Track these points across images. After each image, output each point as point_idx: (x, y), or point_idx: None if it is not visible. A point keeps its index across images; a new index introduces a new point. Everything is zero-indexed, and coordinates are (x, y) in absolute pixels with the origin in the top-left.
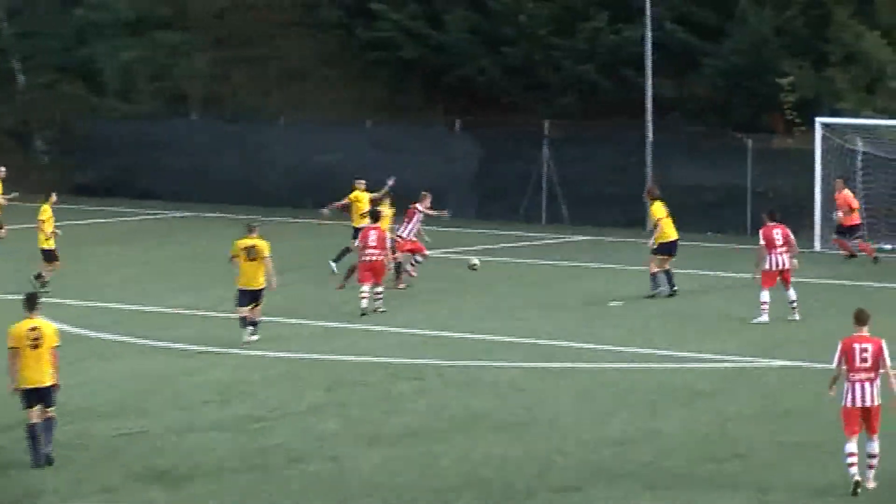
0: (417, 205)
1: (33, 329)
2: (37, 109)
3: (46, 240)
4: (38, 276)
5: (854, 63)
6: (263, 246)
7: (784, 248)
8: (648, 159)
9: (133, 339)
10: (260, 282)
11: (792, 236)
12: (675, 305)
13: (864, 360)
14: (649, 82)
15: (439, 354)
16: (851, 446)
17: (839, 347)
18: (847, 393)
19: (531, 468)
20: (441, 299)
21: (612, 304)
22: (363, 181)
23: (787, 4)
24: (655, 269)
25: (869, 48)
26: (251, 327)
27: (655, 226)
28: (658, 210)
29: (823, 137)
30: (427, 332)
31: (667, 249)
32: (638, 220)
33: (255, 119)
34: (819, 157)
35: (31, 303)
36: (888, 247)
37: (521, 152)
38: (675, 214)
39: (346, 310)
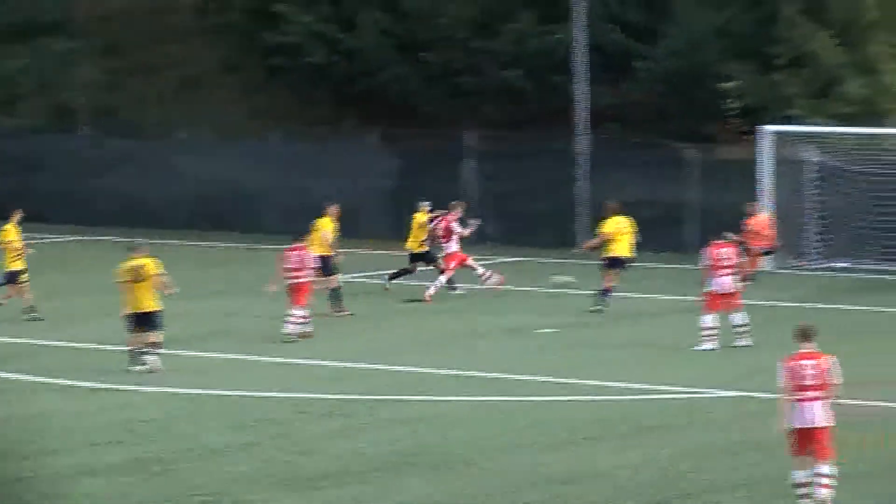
0: (449, 216)
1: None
2: None
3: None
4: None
5: (804, 66)
6: (150, 264)
7: (730, 270)
8: (581, 172)
9: (17, 376)
10: (149, 304)
11: (739, 254)
12: (613, 332)
13: (813, 376)
14: (581, 88)
15: (356, 388)
16: (799, 475)
17: (783, 369)
18: (793, 414)
19: None
20: (357, 328)
21: (542, 331)
22: (427, 203)
23: (729, 2)
24: (609, 285)
25: (820, 49)
26: (148, 357)
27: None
28: (608, 225)
29: (771, 147)
30: (343, 363)
31: (614, 264)
32: (571, 240)
33: (151, 134)
34: (766, 169)
35: None
36: (841, 265)
37: (443, 166)
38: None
39: (253, 340)
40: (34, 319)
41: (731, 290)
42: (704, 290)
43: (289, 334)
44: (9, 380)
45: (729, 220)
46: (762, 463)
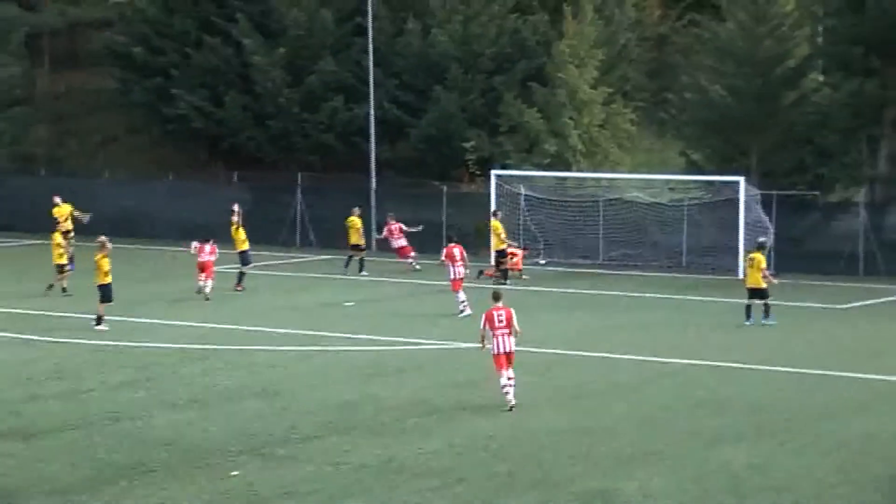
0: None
1: None
2: None
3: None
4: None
5: (517, 132)
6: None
7: (460, 263)
8: (372, 202)
9: None
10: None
11: (465, 253)
12: (389, 305)
13: (500, 321)
14: (373, 146)
15: (219, 342)
16: (503, 379)
17: (483, 316)
18: (494, 344)
19: (285, 423)
20: (222, 302)
21: (347, 304)
22: (358, 209)
23: (470, 90)
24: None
25: (528, 121)
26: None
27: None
28: (497, 226)
29: (496, 185)
30: (212, 325)
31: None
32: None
33: (85, 174)
34: (493, 198)
35: None
36: (543, 262)
37: (281, 197)
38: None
39: (149, 308)
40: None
41: (461, 277)
42: (449, 276)
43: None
44: None
45: (469, 234)
46: (484, 394)
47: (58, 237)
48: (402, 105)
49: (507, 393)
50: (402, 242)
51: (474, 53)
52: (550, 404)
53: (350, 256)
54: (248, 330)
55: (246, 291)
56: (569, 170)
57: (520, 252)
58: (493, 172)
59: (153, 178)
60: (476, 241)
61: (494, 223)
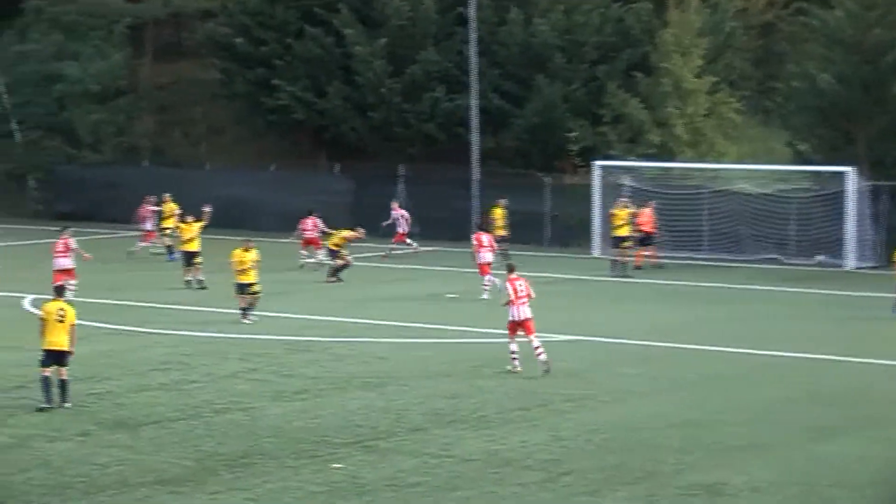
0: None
1: (61, 309)
2: (29, 158)
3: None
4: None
5: (621, 122)
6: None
7: (488, 248)
8: (474, 193)
9: (96, 324)
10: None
11: (493, 240)
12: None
13: (521, 290)
14: (475, 137)
15: (323, 334)
16: (514, 346)
17: (507, 283)
18: (513, 311)
19: (390, 415)
20: (323, 294)
21: (449, 295)
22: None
23: (572, 79)
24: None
25: (631, 111)
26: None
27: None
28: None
29: (600, 176)
30: (316, 316)
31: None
32: (464, 236)
33: (189, 165)
34: (597, 190)
35: (59, 292)
36: (645, 254)
37: (383, 187)
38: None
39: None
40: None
41: (489, 261)
42: (477, 261)
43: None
44: (92, 327)
45: (570, 224)
46: (582, 385)
47: (185, 227)
48: (504, 95)
49: (539, 355)
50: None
51: (577, 43)
52: (653, 396)
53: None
54: (351, 321)
55: (348, 283)
56: (673, 160)
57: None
58: (597, 163)
59: (256, 168)
60: (579, 233)
61: (619, 211)
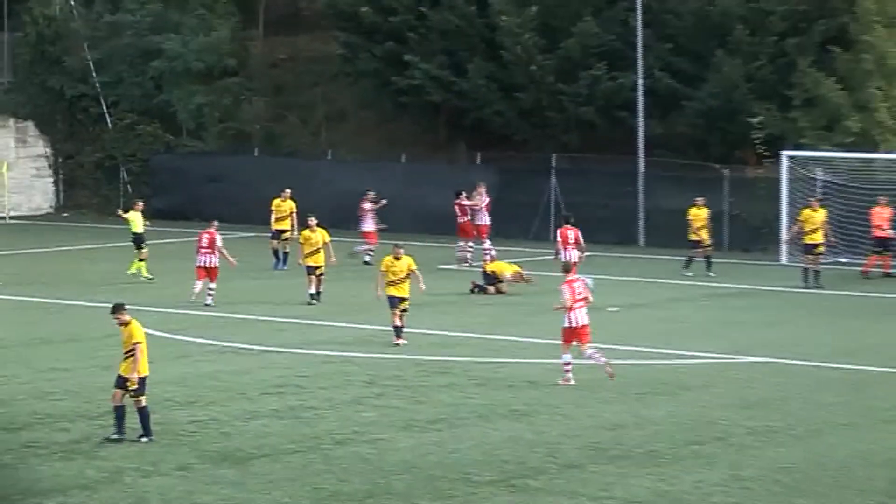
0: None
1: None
2: (121, 146)
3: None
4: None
5: (814, 106)
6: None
7: (573, 246)
8: (640, 188)
9: (201, 340)
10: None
11: (580, 236)
12: (663, 311)
13: (579, 293)
14: (641, 122)
15: (462, 353)
16: (568, 356)
17: (567, 289)
18: (569, 318)
19: (541, 449)
20: (459, 308)
21: (610, 309)
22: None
23: (756, 55)
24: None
25: (826, 93)
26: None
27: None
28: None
29: (789, 168)
30: (451, 332)
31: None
32: (629, 239)
33: (306, 155)
34: (785, 185)
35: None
36: (844, 260)
37: (532, 181)
38: (661, 234)
39: (381, 314)
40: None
41: (575, 261)
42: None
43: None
44: (194, 343)
45: (754, 225)
46: (779, 415)
47: (308, 234)
48: (675, 73)
49: (568, 376)
50: (369, 227)
51: (763, 12)
52: (856, 430)
53: (691, 257)
54: (497, 339)
55: (494, 295)
56: (876, 150)
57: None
58: (785, 154)
59: (385, 159)
60: (764, 236)
61: (805, 213)
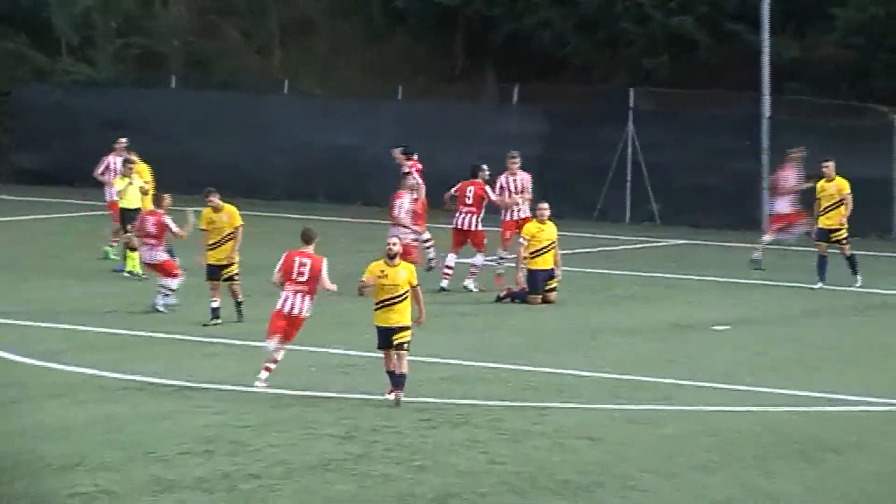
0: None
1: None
2: None
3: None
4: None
5: None
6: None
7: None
8: (765, 141)
9: (93, 371)
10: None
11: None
12: (793, 331)
13: (300, 273)
14: (766, 41)
15: (487, 392)
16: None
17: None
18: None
19: None
20: (490, 318)
21: (717, 328)
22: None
23: None
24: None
25: None
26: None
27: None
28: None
29: None
30: (467, 362)
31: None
32: (746, 219)
33: (251, 87)
34: None
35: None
36: None
37: (598, 131)
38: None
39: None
40: None
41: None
42: None
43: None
44: (83, 375)
45: None
46: None
47: (211, 216)
48: None
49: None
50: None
51: None
52: None
53: None
54: (539, 371)
55: (522, 305)
56: None
57: None
58: None
59: (371, 95)
60: None
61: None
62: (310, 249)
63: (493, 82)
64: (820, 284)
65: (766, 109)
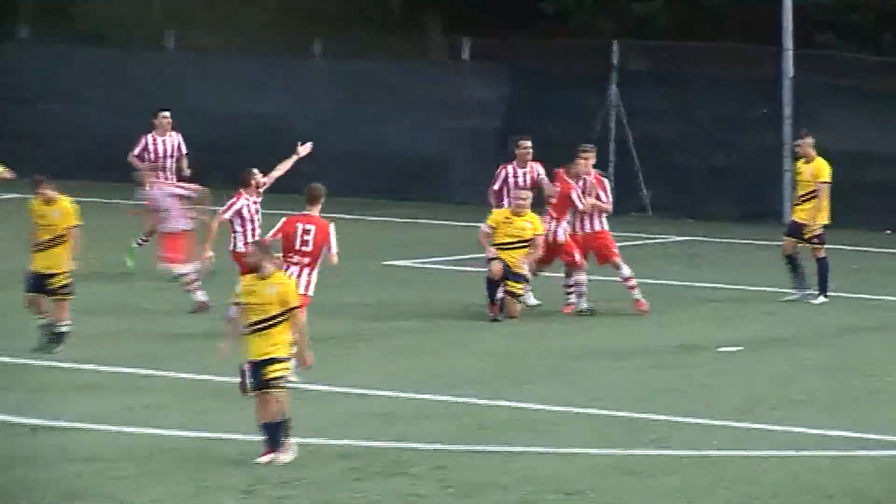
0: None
1: None
2: None
3: None
4: None
5: None
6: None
7: None
8: (787, 107)
9: None
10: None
11: None
12: (832, 353)
13: (304, 243)
14: None
15: (432, 432)
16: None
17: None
18: None
19: None
20: (430, 340)
21: (725, 349)
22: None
23: None
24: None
25: None
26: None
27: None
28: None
29: None
30: (414, 394)
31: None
32: (764, 208)
33: (125, 41)
34: None
35: None
36: None
37: (575, 96)
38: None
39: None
40: None
41: None
42: None
43: None
44: None
45: None
46: None
47: (40, 208)
48: None
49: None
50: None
51: None
52: None
53: None
54: (513, 408)
55: (485, 321)
56: None
57: None
58: None
59: (284, 51)
60: None
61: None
62: (315, 212)
63: (440, 34)
64: (821, 298)
65: (790, 67)
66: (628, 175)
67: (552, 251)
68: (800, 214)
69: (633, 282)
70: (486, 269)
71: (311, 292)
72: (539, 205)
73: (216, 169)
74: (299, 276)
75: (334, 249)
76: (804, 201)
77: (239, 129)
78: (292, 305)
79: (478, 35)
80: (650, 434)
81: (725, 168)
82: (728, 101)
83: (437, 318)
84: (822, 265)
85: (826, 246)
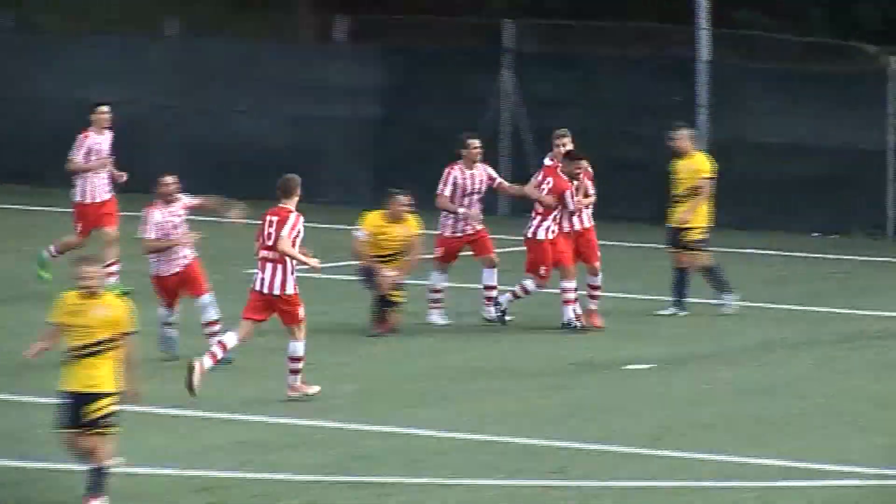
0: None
1: None
2: None
3: None
4: None
5: None
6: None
7: None
8: (702, 94)
9: None
10: None
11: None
12: (754, 371)
13: (268, 236)
14: None
15: (300, 462)
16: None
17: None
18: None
19: None
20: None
21: (633, 367)
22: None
23: None
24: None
25: None
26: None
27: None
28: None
29: None
30: (281, 419)
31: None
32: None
33: None
34: None
35: None
36: None
37: (462, 84)
38: (740, 201)
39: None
40: None
41: None
42: None
43: None
44: None
45: None
46: None
47: None
48: None
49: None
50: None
51: None
52: None
53: None
54: (391, 433)
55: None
56: None
57: None
58: None
59: (128, 31)
60: None
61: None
62: (290, 205)
63: (308, 11)
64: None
65: (705, 50)
66: (524, 172)
67: (536, 253)
68: (676, 217)
69: (599, 293)
70: (361, 278)
71: (288, 291)
72: (526, 209)
73: (48, 165)
74: (273, 273)
75: (285, 239)
76: (683, 202)
77: (75, 119)
78: (124, 331)
79: (350, 13)
80: (546, 463)
81: (632, 162)
82: (636, 88)
83: (308, 332)
84: (713, 275)
85: (746, 250)
